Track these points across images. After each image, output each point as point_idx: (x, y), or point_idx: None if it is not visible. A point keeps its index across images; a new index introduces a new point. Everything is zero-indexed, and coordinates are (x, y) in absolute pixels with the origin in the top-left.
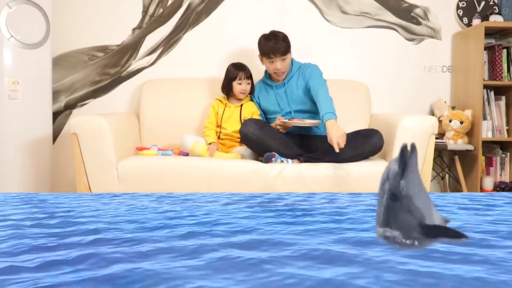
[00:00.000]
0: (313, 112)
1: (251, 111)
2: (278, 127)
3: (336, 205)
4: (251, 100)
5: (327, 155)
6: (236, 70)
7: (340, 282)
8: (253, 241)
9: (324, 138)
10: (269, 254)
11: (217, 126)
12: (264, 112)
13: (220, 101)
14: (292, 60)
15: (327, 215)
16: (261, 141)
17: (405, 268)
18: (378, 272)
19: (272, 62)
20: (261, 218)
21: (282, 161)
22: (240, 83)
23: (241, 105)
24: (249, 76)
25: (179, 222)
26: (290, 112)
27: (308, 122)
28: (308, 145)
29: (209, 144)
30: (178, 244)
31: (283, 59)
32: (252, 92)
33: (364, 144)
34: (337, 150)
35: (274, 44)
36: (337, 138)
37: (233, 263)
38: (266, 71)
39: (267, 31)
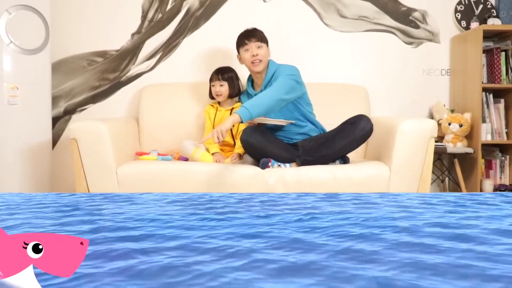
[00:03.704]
0: (298, 119)
1: None
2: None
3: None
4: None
5: (322, 150)
6: (212, 73)
7: None
8: None
9: (315, 137)
10: None
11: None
12: None
13: (212, 105)
14: (270, 62)
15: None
16: (262, 147)
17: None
18: None
19: (247, 50)
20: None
21: (279, 165)
22: (213, 85)
23: (232, 109)
24: (225, 78)
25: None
26: None
27: (273, 120)
28: (303, 149)
29: (213, 154)
30: None
31: (258, 47)
32: (235, 95)
33: (353, 129)
34: (215, 141)
35: (248, 32)
36: (217, 133)
37: None
38: (248, 79)
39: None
